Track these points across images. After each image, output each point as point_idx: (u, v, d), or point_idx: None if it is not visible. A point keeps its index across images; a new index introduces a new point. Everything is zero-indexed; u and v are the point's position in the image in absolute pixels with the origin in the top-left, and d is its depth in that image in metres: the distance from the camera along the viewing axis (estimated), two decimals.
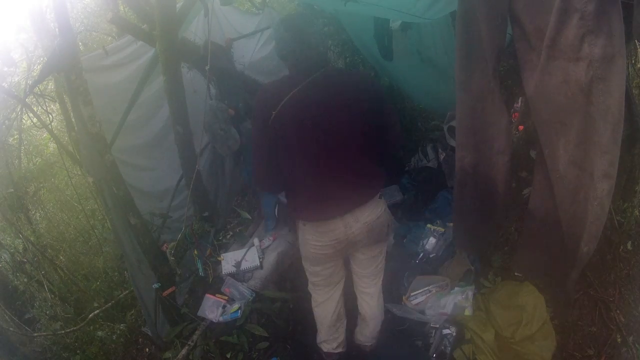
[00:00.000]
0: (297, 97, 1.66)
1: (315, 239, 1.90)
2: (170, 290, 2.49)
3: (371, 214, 1.88)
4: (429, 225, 2.81)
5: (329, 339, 2.27)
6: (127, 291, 3.50)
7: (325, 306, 2.19)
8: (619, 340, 2.18)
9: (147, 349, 3.12)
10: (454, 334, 2.32)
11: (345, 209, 1.83)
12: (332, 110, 1.70)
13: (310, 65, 1.70)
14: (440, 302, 2.40)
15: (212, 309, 2.52)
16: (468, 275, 2.52)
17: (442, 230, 2.75)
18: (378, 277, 2.17)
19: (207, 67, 2.07)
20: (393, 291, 2.63)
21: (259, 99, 1.78)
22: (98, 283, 3.76)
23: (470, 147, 1.78)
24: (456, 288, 2.44)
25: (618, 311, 2.22)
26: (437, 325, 2.34)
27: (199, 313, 2.53)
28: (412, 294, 2.53)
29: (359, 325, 2.34)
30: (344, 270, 2.16)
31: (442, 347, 2.31)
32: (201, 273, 2.65)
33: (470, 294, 2.37)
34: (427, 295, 2.49)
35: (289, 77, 1.79)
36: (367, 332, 2.31)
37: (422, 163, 3.60)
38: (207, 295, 2.57)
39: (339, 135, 1.73)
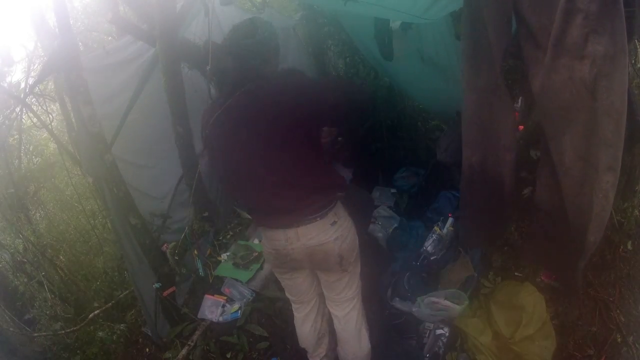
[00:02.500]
0: (222, 116, 1.66)
1: (266, 244, 1.93)
2: (170, 290, 2.49)
3: (314, 238, 1.76)
4: (435, 228, 2.78)
5: (311, 355, 2.20)
6: (127, 291, 3.50)
7: (304, 324, 2.13)
8: (619, 340, 2.18)
9: (147, 349, 3.12)
10: (447, 334, 2.32)
11: (289, 223, 1.75)
12: (257, 125, 1.63)
13: (234, 82, 1.65)
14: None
15: (212, 309, 2.52)
16: (470, 281, 2.50)
17: (444, 232, 2.73)
18: (346, 304, 2.03)
19: (208, 67, 2.06)
20: (393, 292, 2.63)
21: (204, 112, 1.81)
22: (98, 283, 3.76)
23: (478, 145, 1.81)
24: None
25: (618, 311, 2.22)
26: (431, 326, 2.34)
27: (199, 314, 2.53)
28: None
29: (338, 344, 2.20)
30: (314, 290, 2.08)
31: (436, 349, 2.31)
32: (201, 273, 2.65)
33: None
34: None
35: (219, 96, 1.78)
36: (348, 354, 2.15)
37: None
38: (207, 296, 2.57)
39: (276, 146, 1.65)
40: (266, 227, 1.86)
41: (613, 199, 1.45)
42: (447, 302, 2.35)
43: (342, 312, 2.05)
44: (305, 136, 1.67)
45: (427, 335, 2.36)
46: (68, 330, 3.26)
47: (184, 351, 2.38)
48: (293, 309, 2.16)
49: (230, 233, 3.09)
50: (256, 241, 2.92)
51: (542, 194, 1.77)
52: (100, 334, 3.11)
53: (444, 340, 2.31)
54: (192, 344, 2.43)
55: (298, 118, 1.61)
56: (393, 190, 3.55)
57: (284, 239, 1.79)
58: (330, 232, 1.77)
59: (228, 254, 2.84)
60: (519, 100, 2.81)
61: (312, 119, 1.67)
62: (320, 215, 1.75)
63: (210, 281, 2.67)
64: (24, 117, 4.05)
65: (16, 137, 4.33)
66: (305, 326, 2.13)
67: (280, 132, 1.63)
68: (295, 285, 2.03)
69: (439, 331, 2.34)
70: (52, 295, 3.67)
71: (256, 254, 2.79)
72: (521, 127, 2.55)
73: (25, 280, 3.91)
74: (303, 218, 1.74)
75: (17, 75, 3.97)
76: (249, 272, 2.69)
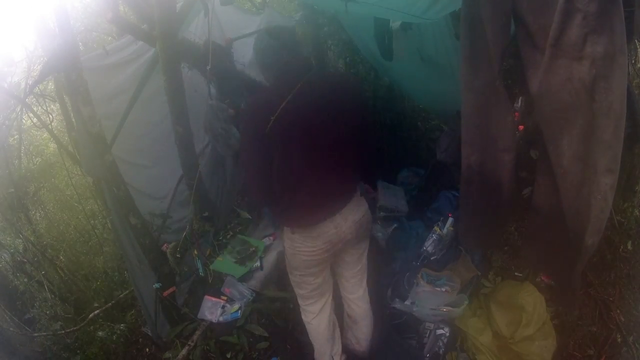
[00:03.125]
0: (290, 105, 1.66)
1: (307, 246, 1.90)
2: (170, 290, 2.49)
3: (358, 211, 1.94)
4: (435, 228, 2.78)
5: (327, 352, 2.23)
6: (127, 291, 3.51)
7: (321, 318, 2.16)
8: (619, 340, 2.18)
9: (147, 349, 3.12)
10: (448, 334, 2.32)
11: (334, 211, 1.87)
12: (322, 115, 1.72)
13: (296, 72, 1.72)
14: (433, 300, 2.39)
15: (212, 310, 2.52)
16: (475, 281, 2.51)
17: (444, 232, 2.73)
18: (364, 277, 2.21)
19: (208, 67, 2.07)
20: (393, 292, 2.63)
21: (249, 113, 1.81)
22: (98, 283, 3.77)
23: (476, 145, 1.80)
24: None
25: (618, 311, 2.22)
26: (432, 326, 2.34)
27: (199, 315, 2.53)
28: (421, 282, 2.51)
29: (350, 329, 2.33)
30: (332, 279, 2.16)
31: (436, 349, 2.31)
32: (201, 273, 2.65)
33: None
34: (433, 289, 2.47)
35: (275, 87, 1.82)
36: (361, 335, 2.29)
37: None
38: (206, 297, 2.57)
39: (330, 139, 1.76)
40: (309, 225, 1.86)
41: (612, 201, 1.44)
42: (448, 307, 2.35)
43: (362, 289, 2.21)
44: (347, 129, 1.79)
45: (427, 335, 2.36)
46: (68, 330, 3.26)
47: (184, 351, 2.38)
48: (306, 307, 2.16)
49: (231, 233, 3.09)
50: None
51: (540, 196, 1.77)
52: (100, 334, 3.11)
53: (444, 340, 2.31)
54: (192, 344, 2.43)
55: (345, 112, 1.76)
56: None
57: (333, 227, 1.87)
58: (363, 203, 1.99)
59: (228, 247, 2.84)
60: (519, 100, 2.81)
61: (353, 115, 1.81)
62: (354, 193, 1.94)
63: (210, 281, 2.67)
64: (24, 117, 4.05)
65: (16, 137, 4.33)
66: (322, 318, 2.16)
67: (341, 121, 1.75)
68: (322, 280, 2.07)
69: (439, 331, 2.34)
70: (52, 295, 3.68)
71: (253, 249, 2.78)
72: (521, 127, 2.55)
73: (25, 280, 3.91)
74: (345, 200, 1.90)
75: (17, 76, 3.97)
76: (243, 268, 2.67)
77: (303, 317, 2.21)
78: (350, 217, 1.91)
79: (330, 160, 1.79)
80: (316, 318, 2.17)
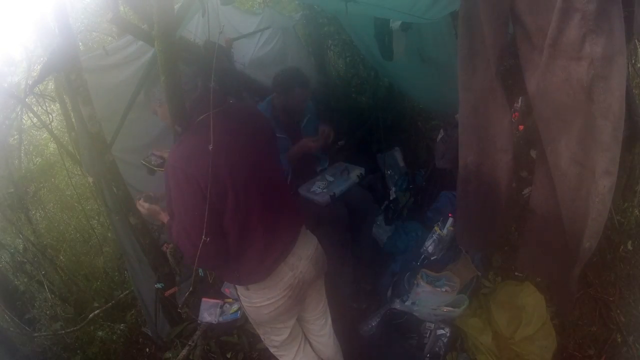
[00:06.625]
0: (217, 141, 1.46)
1: (266, 298, 1.69)
2: (172, 290, 2.48)
3: (310, 246, 1.79)
4: (435, 228, 2.79)
5: None
6: (127, 291, 3.51)
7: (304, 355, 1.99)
8: (619, 340, 2.18)
9: (147, 349, 3.12)
10: (448, 334, 2.32)
11: (287, 248, 1.70)
12: (246, 145, 1.60)
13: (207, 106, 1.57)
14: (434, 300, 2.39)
15: (211, 312, 2.52)
16: (475, 281, 2.50)
17: (444, 232, 2.73)
18: (327, 312, 2.05)
19: (212, 68, 2.07)
20: (393, 292, 2.63)
21: (180, 159, 1.53)
22: (98, 283, 3.77)
23: (474, 145, 1.79)
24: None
25: (618, 311, 2.22)
26: (432, 326, 2.34)
27: (199, 318, 2.53)
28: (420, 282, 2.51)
29: None
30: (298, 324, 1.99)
31: (437, 349, 2.31)
32: (201, 273, 2.65)
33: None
34: (433, 289, 2.47)
35: (195, 124, 1.63)
36: None
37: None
38: (204, 299, 2.57)
39: (264, 169, 1.64)
40: (266, 273, 1.66)
41: (610, 203, 1.42)
42: (448, 307, 2.36)
43: (326, 328, 2.04)
44: (274, 148, 1.74)
45: (427, 335, 2.36)
46: (68, 330, 3.26)
47: (184, 351, 2.38)
48: (283, 356, 1.97)
49: None
50: None
51: (538, 197, 1.75)
52: (100, 334, 3.11)
53: (445, 341, 2.32)
54: (193, 344, 2.43)
55: (266, 139, 1.69)
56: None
57: (289, 269, 1.70)
58: (310, 235, 1.84)
59: None
60: (519, 100, 2.82)
61: (272, 142, 1.75)
62: (300, 225, 1.79)
63: (210, 281, 2.67)
64: (24, 117, 4.05)
65: (16, 137, 4.33)
66: (307, 356, 2.01)
67: (261, 144, 1.67)
68: (292, 323, 1.87)
69: (439, 331, 2.34)
70: (52, 295, 3.68)
71: None
72: (521, 127, 2.55)
73: (25, 280, 3.91)
74: (293, 237, 1.74)
75: (17, 76, 3.97)
76: None
77: None
78: (303, 255, 1.74)
79: (271, 194, 1.65)
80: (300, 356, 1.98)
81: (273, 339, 1.89)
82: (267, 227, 1.63)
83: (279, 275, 1.68)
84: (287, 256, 1.70)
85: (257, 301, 1.71)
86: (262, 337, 1.95)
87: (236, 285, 1.78)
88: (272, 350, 1.97)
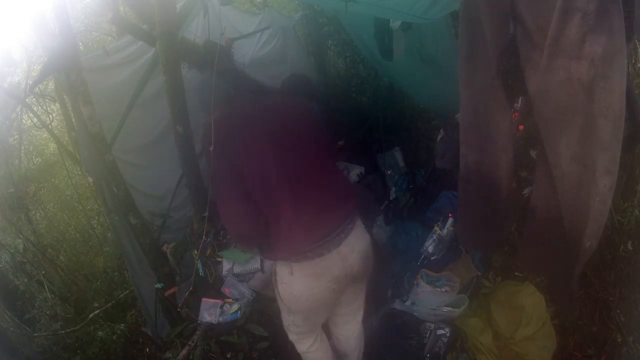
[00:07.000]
0: (257, 115, 1.63)
1: (310, 287, 1.64)
2: (172, 290, 2.48)
3: (364, 240, 1.74)
4: (435, 228, 2.78)
5: None
6: (127, 291, 3.51)
7: (320, 350, 2.01)
8: (619, 340, 2.18)
9: (147, 349, 3.12)
10: (448, 334, 2.32)
11: (339, 238, 1.62)
12: (291, 120, 1.68)
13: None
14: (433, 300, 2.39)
15: (211, 312, 2.52)
16: (475, 281, 2.50)
17: (445, 232, 2.73)
18: (360, 312, 2.01)
19: (214, 68, 2.07)
20: (393, 292, 2.63)
21: (218, 129, 1.58)
22: (98, 283, 3.77)
23: (474, 144, 1.80)
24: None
25: (618, 311, 2.22)
26: (432, 326, 2.34)
27: (199, 318, 2.53)
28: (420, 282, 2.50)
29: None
30: None
31: (437, 349, 2.31)
32: (201, 273, 2.65)
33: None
34: (433, 289, 2.47)
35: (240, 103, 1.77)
36: None
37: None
38: (204, 299, 2.57)
39: (306, 145, 1.66)
40: (315, 258, 1.62)
41: (610, 203, 1.42)
42: (448, 307, 2.35)
43: (357, 324, 2.04)
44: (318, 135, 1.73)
45: (427, 335, 2.36)
46: (68, 330, 3.26)
47: (184, 351, 2.38)
48: (303, 342, 1.99)
49: None
50: None
51: (539, 197, 1.75)
52: (100, 334, 3.11)
53: (445, 341, 2.31)
54: (193, 344, 2.43)
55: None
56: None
57: (340, 259, 1.64)
58: (365, 230, 1.81)
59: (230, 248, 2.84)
60: (520, 100, 2.82)
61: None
62: (355, 215, 1.74)
63: (211, 281, 2.67)
64: (24, 117, 4.05)
65: (16, 137, 4.33)
66: (323, 348, 2.03)
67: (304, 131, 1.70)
68: (323, 318, 1.89)
69: (439, 331, 2.34)
70: (52, 295, 3.68)
71: None
72: (521, 127, 2.55)
73: (25, 280, 3.91)
74: (348, 224, 1.68)
75: (17, 76, 3.97)
76: (246, 254, 2.65)
77: (299, 346, 2.00)
78: (357, 247, 1.69)
79: (316, 171, 1.65)
80: (314, 352, 1.99)
81: (298, 324, 1.86)
82: (299, 200, 1.58)
83: (328, 263, 1.62)
84: (339, 245, 1.63)
85: (298, 288, 1.67)
86: (284, 320, 1.93)
87: (278, 270, 1.74)
88: (290, 336, 1.97)
